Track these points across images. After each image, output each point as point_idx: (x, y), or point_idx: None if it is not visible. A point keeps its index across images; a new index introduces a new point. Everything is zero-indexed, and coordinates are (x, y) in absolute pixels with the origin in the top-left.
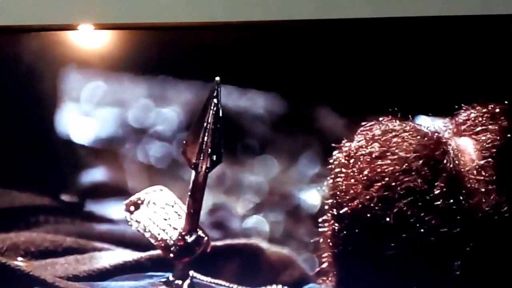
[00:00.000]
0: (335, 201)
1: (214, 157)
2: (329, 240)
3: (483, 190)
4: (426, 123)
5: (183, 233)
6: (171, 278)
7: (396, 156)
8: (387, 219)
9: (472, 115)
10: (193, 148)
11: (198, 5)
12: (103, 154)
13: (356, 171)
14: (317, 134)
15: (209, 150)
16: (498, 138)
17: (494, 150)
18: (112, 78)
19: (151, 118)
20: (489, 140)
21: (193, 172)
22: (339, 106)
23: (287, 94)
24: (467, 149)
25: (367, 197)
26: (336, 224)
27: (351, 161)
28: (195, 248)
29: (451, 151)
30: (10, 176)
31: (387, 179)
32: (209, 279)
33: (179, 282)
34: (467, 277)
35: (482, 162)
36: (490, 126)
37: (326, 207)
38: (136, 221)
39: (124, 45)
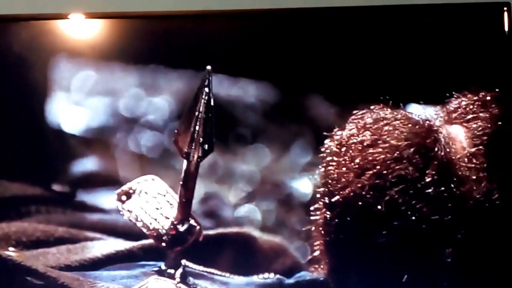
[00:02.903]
0: (327, 190)
1: (206, 146)
2: (321, 228)
3: (474, 177)
4: (417, 111)
5: (175, 222)
6: (163, 267)
7: (387, 144)
8: (379, 207)
9: (463, 103)
10: (185, 137)
11: None
12: (94, 144)
13: (347, 159)
14: (308, 122)
15: (201, 139)
16: (489, 125)
17: (485, 137)
18: (103, 67)
19: (142, 107)
20: (480, 128)
21: (185, 161)
22: (330, 94)
23: (278, 83)
24: (458, 137)
25: (359, 185)
26: (328, 212)
27: (343, 149)
28: (187, 237)
29: (442, 139)
30: (1, 166)
31: (378, 167)
32: (201, 268)
33: (172, 271)
34: (458, 265)
35: (473, 149)
36: (481, 114)
37: (318, 195)
38: (128, 210)
39: (115, 34)
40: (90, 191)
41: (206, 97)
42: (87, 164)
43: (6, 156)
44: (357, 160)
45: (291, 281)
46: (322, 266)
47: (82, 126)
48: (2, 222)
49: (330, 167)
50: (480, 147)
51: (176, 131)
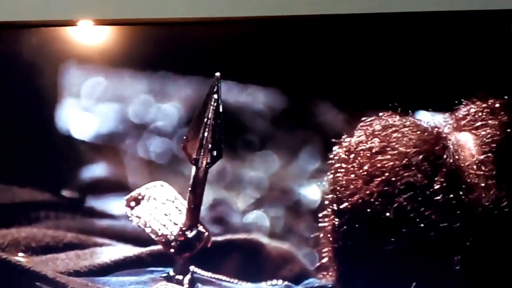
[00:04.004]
0: (335, 196)
1: (215, 153)
2: (329, 235)
3: (483, 185)
4: (426, 118)
5: (183, 228)
6: (171, 273)
7: (396, 151)
8: (387, 214)
9: (472, 110)
10: (194, 143)
11: (198, 0)
12: (103, 150)
13: (356, 166)
14: (317, 129)
15: (210, 145)
16: (498, 133)
17: (494, 145)
18: (112, 73)
19: (151, 113)
20: (489, 135)
21: (194, 168)
22: (339, 101)
23: (287, 90)
24: (467, 144)
25: (367, 192)
26: (336, 219)
27: (351, 156)
28: (196, 243)
29: (451, 146)
30: (11, 172)
31: (387, 174)
32: (209, 274)
33: (180, 277)
34: (467, 272)
35: (482, 157)
36: (490, 121)
37: (326, 202)
38: (137, 216)
39: (124, 41)
40: (99, 197)
41: (215, 104)
42: (96, 170)
43: (15, 162)
44: (365, 167)
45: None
46: (330, 273)
47: (92, 132)
48: (12, 228)
49: (338, 174)
50: (489, 154)
51: (185, 137)
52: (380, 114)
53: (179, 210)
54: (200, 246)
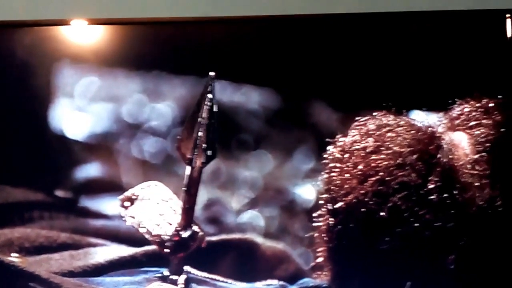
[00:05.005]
0: (329, 196)
1: (209, 152)
2: (324, 235)
3: (477, 184)
4: (420, 117)
5: (178, 228)
6: (166, 273)
7: (390, 151)
8: (382, 213)
9: (466, 109)
10: (188, 143)
11: (192, 0)
12: (97, 150)
13: (350, 166)
14: (311, 129)
15: (204, 145)
16: (492, 132)
17: (488, 144)
18: (106, 73)
19: (145, 113)
20: (482, 135)
21: (188, 167)
22: (333, 101)
23: (281, 89)
24: (461, 144)
25: (362, 191)
26: (331, 219)
27: (346, 156)
28: (190, 243)
29: (445, 146)
30: (4, 172)
31: (381, 173)
32: (204, 274)
33: (175, 277)
34: (461, 271)
35: (476, 156)
36: (483, 121)
37: (321, 202)
38: (131, 216)
39: (118, 41)
40: (93, 197)
41: (209, 103)
42: (90, 170)
43: (9, 162)
44: (360, 167)
45: (294, 287)
46: (325, 273)
47: (85, 132)
48: (5, 228)
49: (333, 174)
50: (483, 153)
51: (179, 137)
52: (374, 113)
53: (174, 210)
54: (195, 246)
